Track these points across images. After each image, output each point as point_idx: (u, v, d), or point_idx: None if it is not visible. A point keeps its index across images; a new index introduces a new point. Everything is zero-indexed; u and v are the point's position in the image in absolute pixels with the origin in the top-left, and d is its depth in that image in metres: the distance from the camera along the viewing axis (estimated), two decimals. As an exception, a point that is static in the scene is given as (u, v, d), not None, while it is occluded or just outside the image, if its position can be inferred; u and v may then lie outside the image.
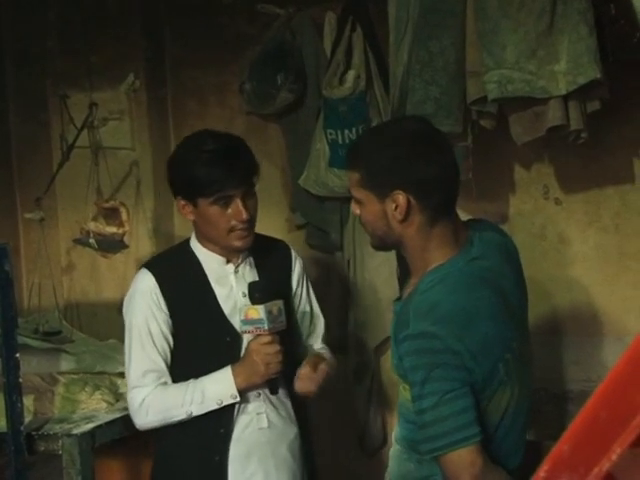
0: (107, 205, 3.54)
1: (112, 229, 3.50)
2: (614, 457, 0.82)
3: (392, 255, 3.02)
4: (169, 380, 2.30)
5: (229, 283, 2.33)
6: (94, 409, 2.67)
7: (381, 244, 1.97)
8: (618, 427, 0.81)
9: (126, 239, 3.54)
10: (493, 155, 3.03)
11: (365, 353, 3.34)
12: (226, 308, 2.32)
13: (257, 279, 2.33)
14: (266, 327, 2.16)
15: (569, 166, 3.02)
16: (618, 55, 2.64)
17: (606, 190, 3.00)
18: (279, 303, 2.22)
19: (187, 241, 2.40)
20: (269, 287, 2.25)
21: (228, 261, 2.34)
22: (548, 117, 2.61)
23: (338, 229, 3.34)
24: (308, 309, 2.50)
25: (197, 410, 2.25)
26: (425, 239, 1.87)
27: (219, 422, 2.28)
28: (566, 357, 3.07)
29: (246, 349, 2.24)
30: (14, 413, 2.44)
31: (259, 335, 2.19)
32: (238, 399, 2.25)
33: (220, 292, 2.33)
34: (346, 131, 3.14)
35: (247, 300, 2.24)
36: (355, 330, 3.33)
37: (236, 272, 2.34)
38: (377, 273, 3.25)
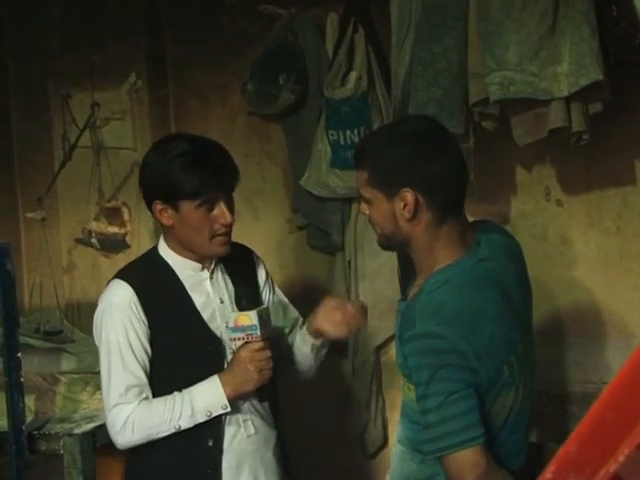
0: (109, 205, 3.56)
1: (114, 229, 3.52)
2: (621, 458, 0.82)
3: (393, 256, 3.03)
4: (150, 394, 2.19)
5: (205, 290, 2.26)
6: (95, 409, 2.66)
7: (388, 243, 1.97)
8: (625, 428, 0.81)
9: (128, 239, 3.55)
10: (495, 156, 3.03)
11: (365, 353, 3.34)
12: (205, 316, 2.24)
13: (231, 285, 2.28)
14: (259, 333, 2.10)
15: (570, 168, 3.02)
16: (620, 57, 2.64)
17: (607, 192, 3.00)
18: (267, 308, 2.18)
19: (155, 249, 2.31)
20: (253, 292, 2.22)
21: (203, 267, 2.26)
22: (550, 119, 2.61)
23: (339, 230, 3.33)
24: (283, 304, 2.44)
25: (186, 424, 2.15)
26: (432, 239, 1.87)
27: (208, 434, 2.19)
28: (568, 358, 3.07)
29: (235, 357, 2.15)
30: (15, 412, 2.44)
31: (248, 342, 2.11)
32: (229, 409, 2.16)
33: (197, 299, 2.25)
34: (348, 132, 3.15)
35: (225, 307, 2.22)
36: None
37: (211, 278, 2.27)
38: (378, 274, 3.25)
